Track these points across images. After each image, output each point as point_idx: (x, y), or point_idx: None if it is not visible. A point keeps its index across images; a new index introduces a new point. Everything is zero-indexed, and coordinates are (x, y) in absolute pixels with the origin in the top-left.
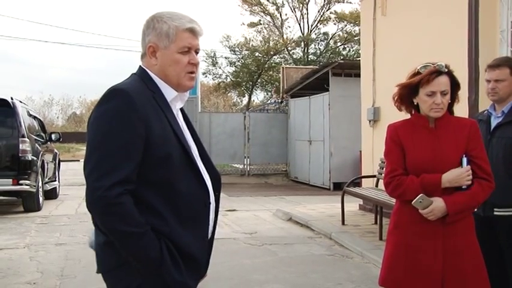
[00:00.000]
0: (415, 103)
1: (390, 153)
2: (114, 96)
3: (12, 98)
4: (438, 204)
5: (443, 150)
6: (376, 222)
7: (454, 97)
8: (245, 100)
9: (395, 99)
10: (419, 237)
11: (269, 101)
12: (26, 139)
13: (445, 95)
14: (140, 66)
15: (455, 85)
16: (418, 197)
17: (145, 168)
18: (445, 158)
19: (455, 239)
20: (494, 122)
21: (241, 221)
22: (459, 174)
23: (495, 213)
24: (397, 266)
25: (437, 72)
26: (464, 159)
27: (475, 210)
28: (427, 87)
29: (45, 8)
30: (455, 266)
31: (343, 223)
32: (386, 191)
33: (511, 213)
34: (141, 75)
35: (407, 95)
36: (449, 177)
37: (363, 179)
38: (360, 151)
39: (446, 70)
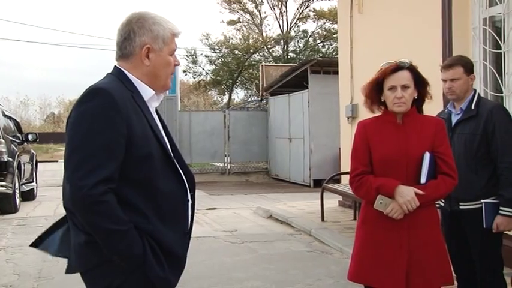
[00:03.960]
0: (383, 101)
1: (355, 151)
2: (95, 95)
3: None
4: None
5: (408, 146)
6: (355, 218)
7: (423, 95)
8: (225, 98)
9: (365, 100)
10: (385, 230)
11: (249, 99)
12: (1, 140)
13: (406, 88)
14: (115, 66)
15: (420, 82)
16: (377, 200)
17: (127, 167)
18: (410, 153)
19: (419, 231)
20: (454, 119)
21: (222, 219)
22: (408, 200)
23: (460, 207)
24: (365, 260)
25: (397, 67)
26: (427, 156)
27: (443, 205)
28: (388, 82)
29: (18, 6)
30: (419, 258)
31: (322, 219)
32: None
33: (474, 206)
34: (118, 75)
35: (374, 94)
36: (401, 194)
37: (342, 176)
38: (340, 148)
39: (407, 66)
